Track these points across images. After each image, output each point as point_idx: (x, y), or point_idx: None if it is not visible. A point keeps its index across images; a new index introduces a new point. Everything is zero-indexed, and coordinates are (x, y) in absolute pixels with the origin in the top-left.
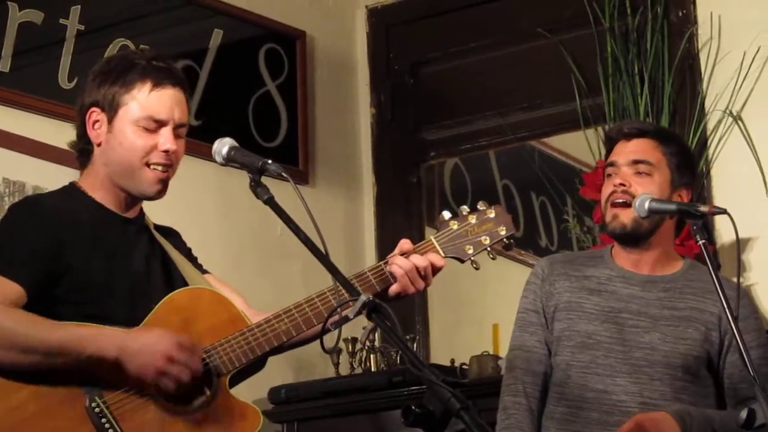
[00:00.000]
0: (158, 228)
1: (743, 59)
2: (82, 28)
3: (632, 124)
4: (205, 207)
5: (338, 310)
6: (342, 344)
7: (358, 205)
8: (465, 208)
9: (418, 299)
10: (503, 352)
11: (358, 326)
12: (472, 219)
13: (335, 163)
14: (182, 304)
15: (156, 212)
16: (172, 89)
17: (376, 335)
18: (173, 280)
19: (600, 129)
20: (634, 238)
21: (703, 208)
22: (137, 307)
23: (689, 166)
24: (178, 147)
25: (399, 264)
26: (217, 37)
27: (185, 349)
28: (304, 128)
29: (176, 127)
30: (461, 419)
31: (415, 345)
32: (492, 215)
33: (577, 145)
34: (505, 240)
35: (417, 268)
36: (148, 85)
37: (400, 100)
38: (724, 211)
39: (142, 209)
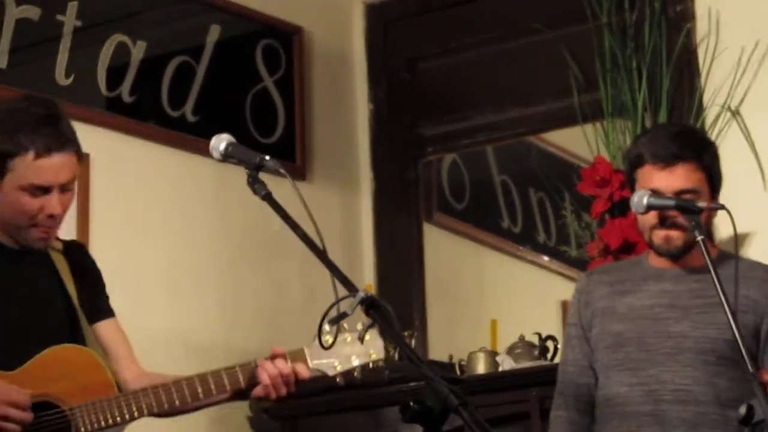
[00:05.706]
0: (65, 246)
1: (741, 54)
2: (80, 24)
3: (665, 148)
4: (202, 203)
5: (337, 305)
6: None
7: (356, 201)
8: (345, 326)
9: (416, 295)
10: (501, 348)
11: (356, 322)
12: (348, 337)
13: (332, 159)
14: (57, 360)
15: (155, 210)
16: (57, 155)
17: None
18: (66, 319)
19: (598, 125)
20: (684, 253)
21: (701, 204)
22: (16, 353)
23: (719, 168)
24: (64, 202)
25: (267, 370)
26: (214, 33)
27: (16, 403)
28: (301, 124)
29: (62, 185)
30: (459, 415)
31: (413, 341)
32: (367, 338)
33: (575, 141)
34: (371, 364)
35: (281, 375)
36: (31, 154)
37: (398, 95)
38: (722, 207)
39: None
